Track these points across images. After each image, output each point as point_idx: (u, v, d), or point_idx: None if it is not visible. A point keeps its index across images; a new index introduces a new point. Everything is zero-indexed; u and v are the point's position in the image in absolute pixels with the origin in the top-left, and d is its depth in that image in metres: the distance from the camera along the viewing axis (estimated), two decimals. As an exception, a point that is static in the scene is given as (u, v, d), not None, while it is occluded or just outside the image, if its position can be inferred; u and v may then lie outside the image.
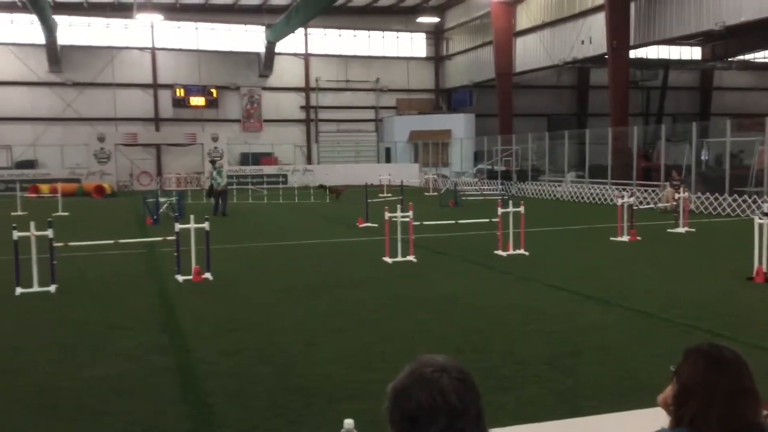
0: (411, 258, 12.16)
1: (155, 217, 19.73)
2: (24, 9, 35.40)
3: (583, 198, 27.25)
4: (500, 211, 13.00)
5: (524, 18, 39.06)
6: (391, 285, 10.09)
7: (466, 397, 1.59)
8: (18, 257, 9.65)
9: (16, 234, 9.69)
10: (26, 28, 39.03)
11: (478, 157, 40.08)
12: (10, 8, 37.98)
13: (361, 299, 9.10)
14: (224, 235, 15.66)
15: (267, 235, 16.86)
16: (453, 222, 14.53)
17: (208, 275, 10.67)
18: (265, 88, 44.68)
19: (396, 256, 12.16)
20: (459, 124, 42.49)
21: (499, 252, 12.73)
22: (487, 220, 13.76)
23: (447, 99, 48.59)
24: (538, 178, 32.84)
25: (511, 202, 13.46)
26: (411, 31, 47.18)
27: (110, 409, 5.18)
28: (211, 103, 43.10)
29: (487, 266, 11.72)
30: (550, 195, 29.41)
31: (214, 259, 11.04)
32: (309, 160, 45.53)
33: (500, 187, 31.77)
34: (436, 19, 45.63)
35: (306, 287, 9.96)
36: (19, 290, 9.60)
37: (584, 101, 46.25)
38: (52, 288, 9.76)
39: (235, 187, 32.84)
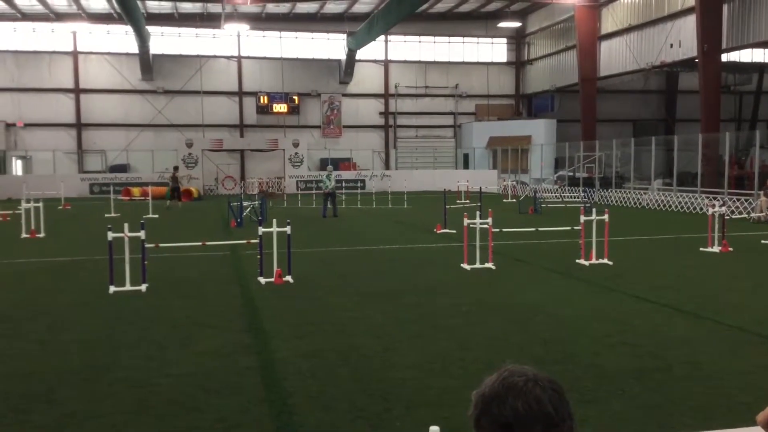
0: (490, 265, 12.04)
1: (239, 220, 20.33)
2: (119, 20, 37.27)
3: (670, 206, 26.26)
4: (583, 218, 12.69)
5: (609, 21, 38.08)
6: (470, 292, 10.02)
7: (561, 408, 1.56)
8: (112, 257, 10.14)
9: (110, 235, 10.18)
10: (121, 38, 41.08)
11: (558, 164, 39.31)
12: (107, 19, 40.06)
13: (439, 306, 9.08)
14: (304, 239, 15.95)
15: (345, 239, 17.06)
16: (533, 229, 14.30)
17: (288, 278, 10.89)
18: (345, 95, 45.33)
19: (474, 263, 12.07)
20: (539, 130, 41.80)
21: (582, 261, 12.43)
22: (569, 228, 13.47)
23: (527, 104, 47.92)
24: (623, 185, 31.89)
25: (594, 209, 13.09)
26: (491, 37, 46.82)
27: (199, 406, 5.36)
28: (293, 110, 44.08)
29: (568, 275, 11.46)
30: (635, 203, 28.48)
31: (295, 262, 11.26)
32: (387, 166, 45.83)
33: (582, 194, 31.02)
34: (517, 24, 45.16)
35: (384, 292, 10.01)
36: (112, 288, 10.07)
37: (672, 106, 44.60)
38: (143, 287, 10.19)
39: (314, 192, 33.42)
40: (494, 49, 47.70)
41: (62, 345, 7.20)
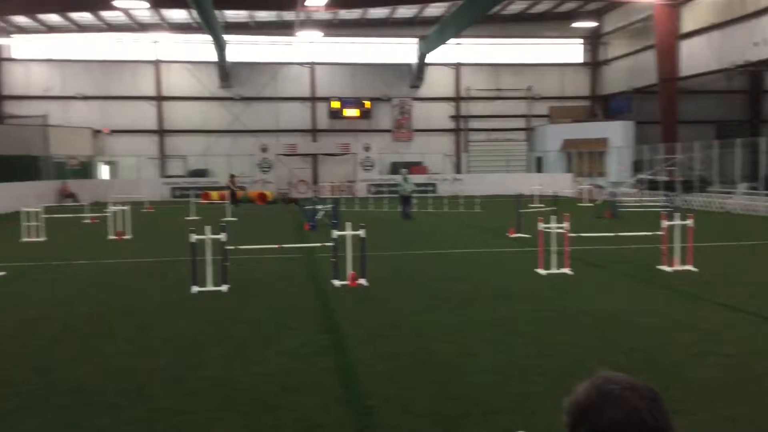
0: (566, 270, 11.82)
1: (312, 223, 20.65)
2: (199, 29, 38.55)
3: (757, 211, 25.09)
4: (665, 223, 12.29)
5: (689, 20, 36.75)
6: (547, 298, 9.86)
7: (660, 417, 1.53)
8: (195, 258, 10.50)
9: (193, 237, 10.54)
10: (200, 47, 42.47)
11: (637, 167, 38.15)
12: (187, 29, 41.51)
13: (515, 311, 8.97)
14: (377, 242, 16.06)
15: (418, 243, 17.09)
16: (611, 234, 13.94)
17: (363, 281, 11.00)
18: (415, 99, 45.42)
19: (550, 268, 11.87)
20: (616, 132, 40.70)
21: (664, 267, 12.03)
22: (650, 233, 13.06)
23: (603, 106, 46.75)
24: (705, 189, 30.66)
25: (678, 214, 12.65)
26: (566, 37, 45.96)
27: (281, 404, 5.49)
28: (365, 114, 44.48)
29: (650, 282, 11.12)
30: (719, 207, 27.35)
31: (368, 265, 11.36)
32: (458, 170, 45.62)
33: (663, 198, 29.99)
34: (593, 24, 44.18)
35: (458, 296, 9.98)
36: (195, 289, 10.43)
37: (757, 107, 42.57)
38: (224, 287, 10.51)
39: (386, 195, 33.60)
40: (569, 50, 46.80)
41: (150, 343, 7.51)
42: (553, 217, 12.43)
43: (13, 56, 41.94)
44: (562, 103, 46.37)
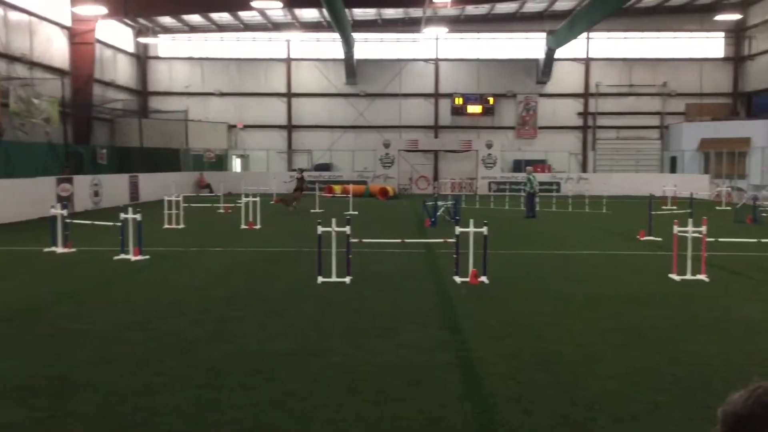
0: (702, 277, 11.17)
1: (433, 219, 20.75)
2: (328, 28, 39.69)
3: None
4: (816, 231, 11.32)
5: None
6: (680, 304, 9.38)
7: None
8: (320, 250, 10.87)
9: (320, 229, 10.91)
10: (329, 45, 43.72)
11: (783, 169, 35.31)
12: (317, 28, 42.84)
13: (645, 316, 8.60)
14: (498, 240, 15.90)
15: (541, 242, 16.74)
16: (753, 240, 13.01)
17: (484, 278, 10.94)
18: (542, 95, 44.38)
19: (684, 274, 11.26)
20: (760, 132, 37.80)
21: (813, 278, 11.11)
22: (798, 240, 12.10)
23: (747, 103, 43.54)
24: None
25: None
26: (706, 30, 43.22)
27: (403, 396, 5.60)
28: (487, 111, 44.00)
29: (796, 293, 10.30)
30: None
31: (490, 263, 11.28)
32: (584, 168, 44.18)
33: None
34: (737, 16, 41.22)
35: (583, 299, 9.70)
36: (320, 279, 10.80)
37: None
38: (347, 279, 10.81)
39: (507, 193, 33.14)
40: (709, 44, 43.98)
41: (279, 329, 7.87)
42: (689, 220, 11.77)
43: (159, 55, 45.02)
44: (701, 100, 43.68)
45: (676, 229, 11.56)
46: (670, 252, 11.94)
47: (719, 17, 40.55)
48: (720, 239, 12.44)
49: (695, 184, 34.84)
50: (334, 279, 10.79)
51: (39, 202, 21.28)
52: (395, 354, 6.82)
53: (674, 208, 24.76)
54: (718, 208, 28.69)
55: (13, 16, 29.89)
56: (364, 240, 12.03)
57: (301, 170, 33.09)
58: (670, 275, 11.42)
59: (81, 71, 34.59)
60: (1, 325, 8.01)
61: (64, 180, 24.57)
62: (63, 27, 33.84)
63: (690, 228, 11.52)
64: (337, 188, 36.74)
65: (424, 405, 5.38)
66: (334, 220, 11.14)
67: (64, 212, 14.82)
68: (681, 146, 41.59)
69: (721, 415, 1.56)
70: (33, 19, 31.25)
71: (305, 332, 7.70)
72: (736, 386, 1.56)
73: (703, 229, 11.42)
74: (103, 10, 32.14)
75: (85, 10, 31.76)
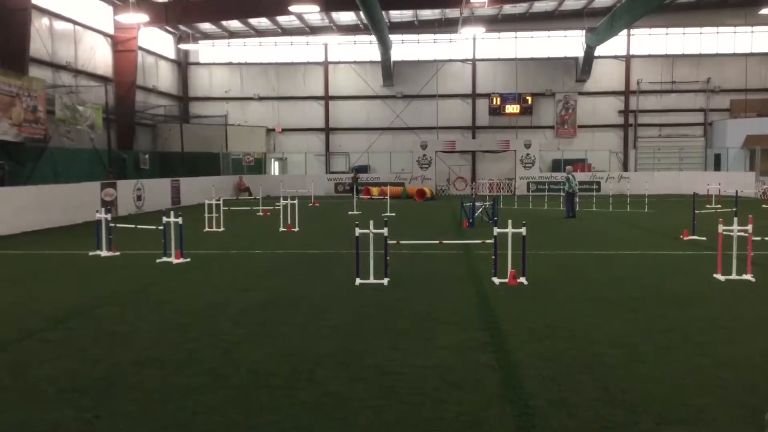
0: (748, 277, 10.88)
1: (471, 220, 20.64)
2: (365, 31, 39.87)
3: None
4: None
5: None
6: (725, 305, 9.15)
7: None
8: (358, 252, 10.90)
9: (357, 231, 10.94)
10: (366, 47, 43.89)
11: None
12: (354, 31, 43.07)
13: (689, 317, 8.42)
14: (538, 240, 15.74)
15: (581, 242, 16.51)
16: (803, 239, 12.60)
17: (523, 279, 10.84)
18: (581, 93, 43.83)
19: (730, 274, 10.99)
20: (809, 127, 36.73)
21: None
22: None
23: (794, 98, 42.36)
24: None
25: None
26: (751, 25, 42.13)
27: (442, 397, 5.57)
28: (525, 110, 43.64)
29: None
30: None
31: (529, 263, 11.17)
32: (625, 167, 43.47)
33: None
34: (784, 9, 40.05)
35: (625, 300, 9.53)
36: (358, 281, 10.83)
37: None
38: (385, 281, 10.82)
39: (547, 194, 32.79)
40: (754, 39, 42.86)
41: (318, 330, 7.92)
42: (735, 219, 11.48)
43: (200, 60, 45.77)
44: (746, 96, 42.59)
45: (720, 227, 11.28)
46: (715, 251, 11.66)
47: (764, 11, 39.44)
48: (767, 238, 12.11)
49: (740, 181, 34.02)
50: (372, 281, 10.81)
51: (84, 206, 21.83)
52: (434, 356, 6.80)
53: (719, 206, 24.20)
54: (764, 206, 27.92)
55: (59, 25, 30.74)
56: (402, 242, 12.02)
57: (356, 170, 33.85)
58: (715, 275, 11.15)
59: (124, 78, 35.39)
60: (48, 328, 8.23)
61: (108, 185, 25.16)
62: (106, 35, 34.68)
63: (735, 226, 11.24)
64: (375, 190, 36.82)
65: (464, 407, 5.36)
66: (371, 222, 11.15)
67: (108, 216, 15.17)
68: (725, 143, 40.63)
69: (768, 421, 1.52)
70: (77, 28, 32.09)
71: (344, 334, 7.73)
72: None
73: (749, 227, 11.12)
74: (145, 17, 32.85)
75: (128, 18, 32.49)
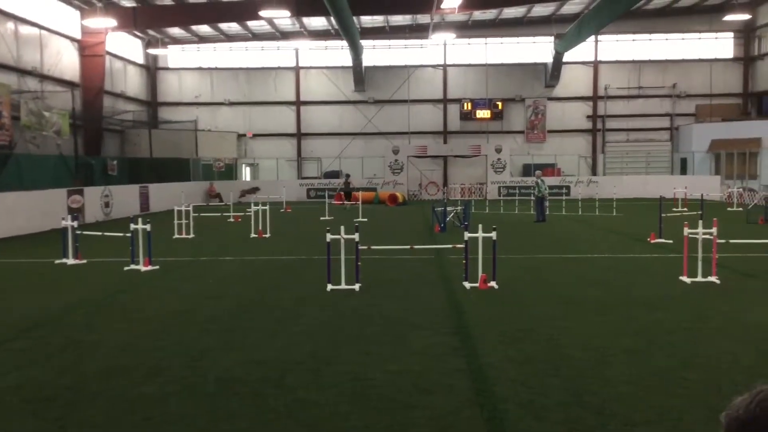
0: (713, 279, 11.09)
1: (442, 225, 20.72)
2: (336, 36, 39.85)
3: None
4: (829, 231, 11.22)
5: None
6: (691, 307, 9.32)
7: None
8: (330, 257, 10.87)
9: (329, 236, 10.92)
10: (337, 53, 43.87)
11: (795, 169, 35.03)
12: (325, 36, 43.01)
13: (656, 320, 8.55)
14: (508, 245, 15.86)
15: (550, 246, 16.68)
16: (766, 241, 12.89)
17: (493, 284, 10.91)
18: (550, 99, 44.31)
19: (695, 276, 11.19)
20: (772, 132, 37.58)
21: (826, 279, 11.00)
22: (811, 241, 11.98)
23: (757, 103, 43.29)
24: None
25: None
26: (715, 31, 43.03)
27: (413, 403, 5.58)
28: (496, 116, 43.97)
29: (810, 294, 10.20)
30: None
31: (500, 267, 11.25)
32: (594, 171, 44.03)
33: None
34: (746, 16, 41.00)
35: (593, 302, 9.66)
36: (330, 287, 10.80)
37: None
38: (357, 286, 10.80)
39: (517, 198, 33.07)
40: (718, 45, 43.78)
41: (289, 336, 7.88)
42: (700, 222, 11.70)
43: (169, 65, 45.31)
44: (711, 101, 43.47)
45: (686, 230, 11.49)
46: (681, 254, 11.86)
47: (728, 17, 40.33)
48: (731, 240, 12.35)
49: (706, 185, 34.65)
50: (343, 286, 10.79)
51: (50, 213, 21.44)
52: (405, 361, 6.80)
53: (685, 209, 24.63)
54: (729, 209, 28.50)
55: (24, 30, 30.21)
56: (373, 247, 12.03)
57: (347, 175, 34.95)
58: (681, 278, 11.34)
59: (91, 83, 34.87)
60: (13, 337, 8.07)
61: (75, 192, 24.75)
62: (73, 40, 34.15)
63: (700, 229, 11.45)
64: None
65: (435, 412, 5.37)
66: (342, 228, 11.14)
67: (75, 224, 14.93)
68: (691, 147, 41.39)
69: (724, 420, 1.54)
70: (43, 32, 31.56)
71: (315, 340, 7.70)
72: (740, 392, 1.55)
73: (714, 230, 11.34)
74: (113, 22, 32.42)
75: (95, 23, 32.03)
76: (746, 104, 43.71)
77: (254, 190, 39.19)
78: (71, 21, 33.92)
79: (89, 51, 34.80)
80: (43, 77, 31.30)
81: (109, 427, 5.20)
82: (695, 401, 5.55)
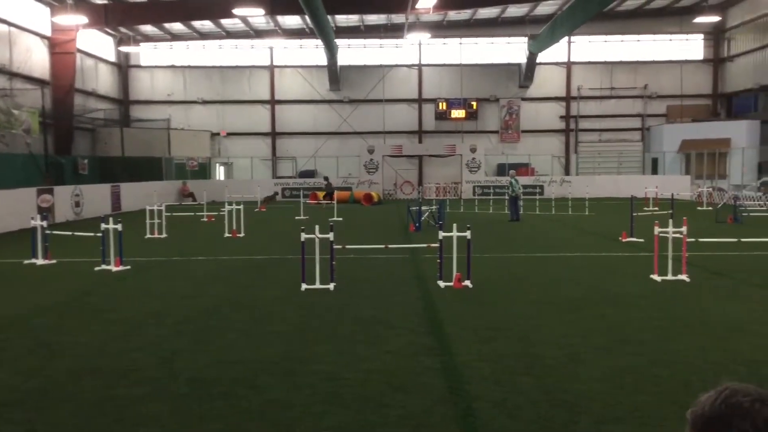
0: (683, 277, 11.27)
1: (417, 224, 20.76)
2: (311, 35, 39.71)
3: None
4: (794, 230, 11.46)
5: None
6: (661, 305, 9.45)
7: None
8: (304, 257, 10.84)
9: (303, 236, 10.88)
10: (312, 52, 43.72)
11: (763, 169, 35.75)
12: (300, 35, 42.85)
13: (627, 318, 8.66)
14: (483, 244, 15.94)
15: (524, 245, 16.80)
16: (734, 240, 13.13)
17: (468, 282, 10.96)
18: (524, 99, 44.65)
19: (666, 275, 11.35)
20: (740, 132, 38.30)
21: (792, 276, 11.23)
22: (777, 239, 12.22)
23: (726, 104, 44.10)
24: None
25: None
26: (686, 33, 43.71)
27: (387, 402, 5.58)
28: (471, 115, 44.20)
29: (776, 292, 10.40)
30: None
31: (474, 266, 11.30)
32: (567, 171, 44.46)
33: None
34: (716, 19, 41.71)
35: (566, 301, 9.75)
36: (304, 286, 10.76)
37: None
38: (331, 286, 10.78)
39: (492, 197, 33.26)
40: (688, 46, 44.49)
41: (263, 336, 7.84)
42: (670, 221, 11.87)
43: (141, 63, 44.78)
44: (681, 102, 44.16)
45: (656, 229, 11.65)
46: (652, 253, 12.03)
47: (698, 20, 40.98)
48: (701, 239, 12.57)
49: (677, 185, 35.18)
50: (318, 286, 10.76)
51: (19, 213, 21.06)
52: (379, 360, 6.81)
53: (656, 209, 24.99)
54: (699, 208, 28.97)
55: (-8, 26, 29.63)
56: (348, 246, 12.01)
57: (326, 177, 35.42)
58: (652, 276, 11.50)
59: (61, 81, 34.32)
60: (-20, 339, 7.91)
61: (45, 191, 24.35)
62: (43, 37, 33.58)
63: (670, 228, 11.62)
64: (322, 194, 36.65)
65: (408, 410, 5.38)
66: (317, 227, 11.11)
67: (44, 223, 14.68)
68: (662, 148, 41.99)
69: (689, 417, 1.56)
70: (12, 29, 30.99)
71: (289, 340, 7.67)
72: (708, 388, 1.57)
73: (684, 229, 11.52)
74: (84, 19, 31.93)
75: (66, 20, 31.53)
76: (716, 105, 44.48)
77: (274, 196, 38.87)
78: (41, 18, 33.36)
79: (59, 48, 34.24)
80: (12, 75, 30.73)
81: (79, 429, 5.12)
82: (665, 398, 5.63)
